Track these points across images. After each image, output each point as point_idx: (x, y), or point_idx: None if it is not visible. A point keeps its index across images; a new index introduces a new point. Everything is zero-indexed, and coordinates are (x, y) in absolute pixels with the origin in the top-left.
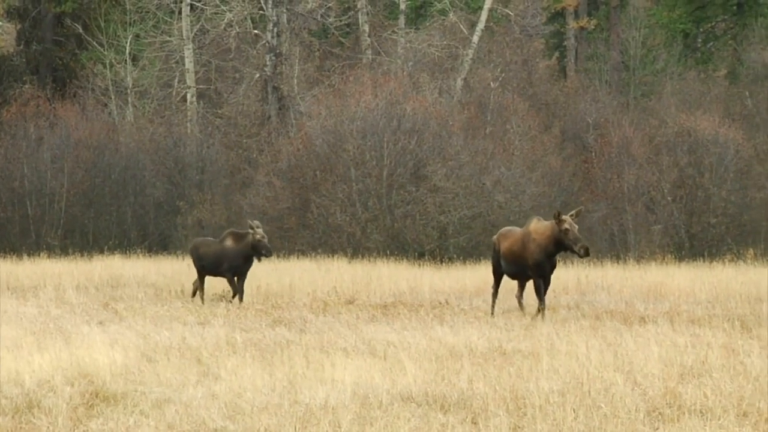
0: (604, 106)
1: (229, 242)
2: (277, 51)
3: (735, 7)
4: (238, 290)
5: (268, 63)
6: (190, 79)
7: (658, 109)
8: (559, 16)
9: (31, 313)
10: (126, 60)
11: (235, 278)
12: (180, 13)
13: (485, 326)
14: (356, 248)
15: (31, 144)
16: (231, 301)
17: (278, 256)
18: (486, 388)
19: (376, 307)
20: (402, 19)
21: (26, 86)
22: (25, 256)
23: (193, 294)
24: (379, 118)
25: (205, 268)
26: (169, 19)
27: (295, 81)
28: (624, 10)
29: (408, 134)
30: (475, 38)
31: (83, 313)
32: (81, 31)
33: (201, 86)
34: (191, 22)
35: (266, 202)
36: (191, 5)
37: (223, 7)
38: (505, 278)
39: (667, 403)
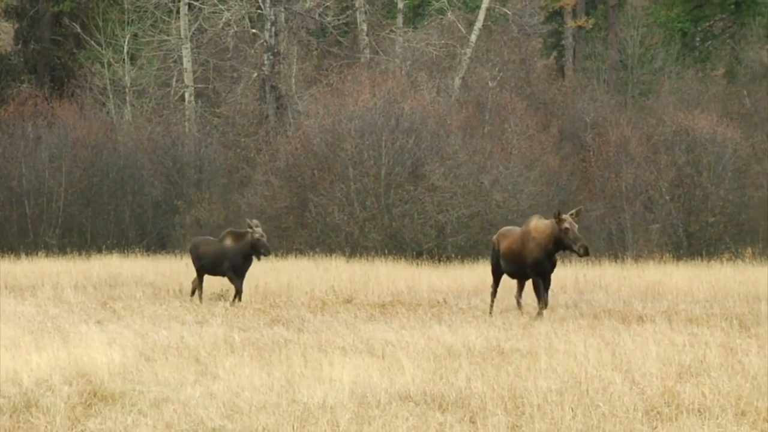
0: (602, 105)
1: (228, 241)
2: (275, 50)
3: (733, 6)
4: (240, 288)
5: (266, 62)
6: (188, 78)
7: (656, 108)
8: (557, 15)
9: (29, 312)
10: (124, 59)
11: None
12: (178, 12)
13: (483, 325)
14: (354, 247)
15: (29, 143)
16: (234, 302)
17: (276, 255)
18: (484, 387)
19: (374, 306)
20: (400, 18)
21: (24, 85)
22: (23, 256)
23: (192, 293)
24: (377, 117)
25: (205, 267)
26: (167, 19)
27: (293, 80)
28: (622, 9)
29: (406, 133)
30: (473, 37)
31: (81, 312)
32: (79, 30)
33: (199, 85)
34: (189, 21)
35: (264, 201)
36: (189, 4)
37: (221, 7)
38: (505, 278)
39: (665, 402)
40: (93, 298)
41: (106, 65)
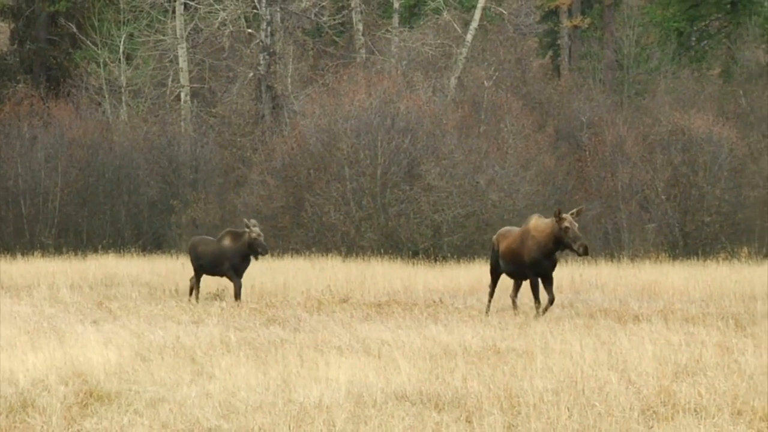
0: (598, 104)
1: (227, 241)
2: (271, 50)
3: (729, 6)
4: (240, 286)
5: (261, 62)
6: (183, 78)
7: (651, 107)
8: (552, 14)
9: (25, 312)
10: (120, 59)
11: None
12: (174, 12)
13: (479, 325)
14: (350, 247)
15: (25, 143)
16: (237, 302)
17: (272, 255)
18: (480, 387)
19: (370, 306)
20: (396, 18)
21: (20, 85)
22: (19, 255)
23: (191, 292)
24: (372, 117)
25: (203, 267)
26: (162, 18)
27: (289, 80)
28: (618, 9)
29: (402, 133)
30: (469, 37)
31: (77, 312)
32: (75, 30)
33: (195, 85)
34: (185, 21)
35: (260, 201)
36: (185, 4)
37: (216, 6)
38: (502, 279)
39: (661, 402)
40: (89, 297)
41: (101, 65)
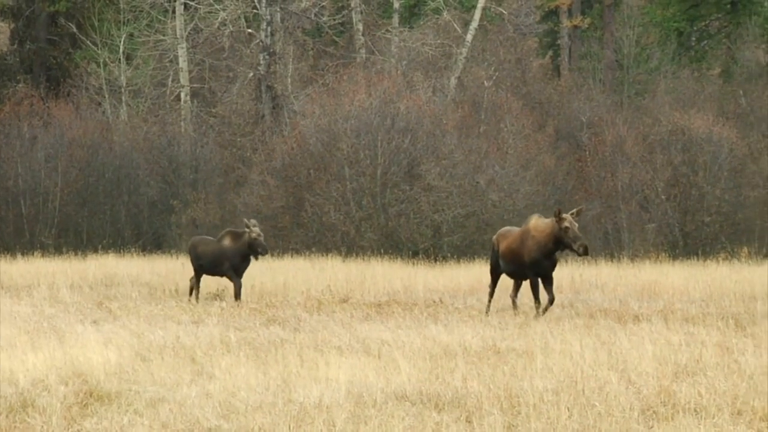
0: (598, 104)
1: (227, 241)
2: (271, 50)
3: (729, 6)
4: (240, 286)
5: (261, 62)
6: (183, 78)
7: (651, 107)
8: (552, 14)
9: (25, 312)
10: (120, 59)
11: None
12: (174, 12)
13: (479, 325)
14: (350, 247)
15: (25, 143)
16: (236, 302)
17: (272, 255)
18: (480, 387)
19: (370, 306)
20: (396, 18)
21: (20, 85)
22: (19, 255)
23: (191, 292)
24: (372, 117)
25: (203, 267)
26: (162, 18)
27: (289, 80)
28: (618, 9)
29: (402, 133)
30: (469, 37)
31: (77, 312)
32: (75, 30)
33: (195, 85)
34: (185, 21)
35: (260, 201)
36: (185, 4)
37: (216, 6)
38: (502, 279)
39: (661, 402)
40: (89, 298)
41: (101, 65)
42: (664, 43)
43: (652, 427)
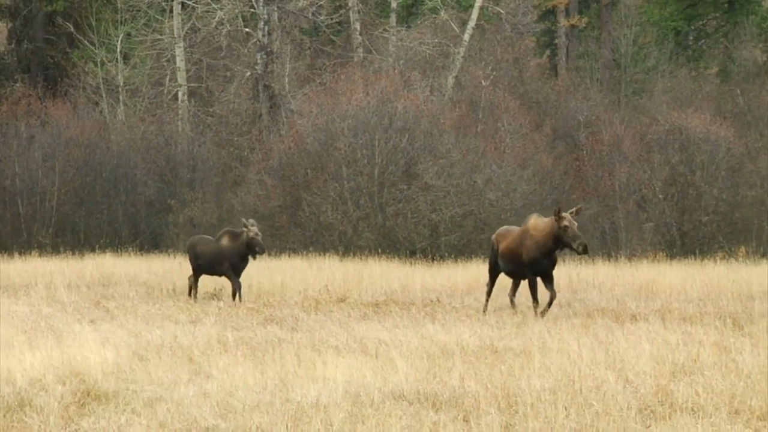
0: (596, 104)
1: (225, 241)
2: (268, 49)
3: (726, 5)
4: (238, 287)
5: (259, 61)
6: (181, 77)
7: (649, 106)
8: (550, 14)
9: (23, 311)
10: (117, 58)
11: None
12: (171, 11)
13: (477, 324)
14: (348, 246)
15: (23, 142)
16: (235, 301)
17: (269, 255)
18: (477, 386)
19: (367, 306)
20: (393, 17)
21: (17, 85)
22: (17, 255)
23: (190, 291)
24: (370, 116)
25: (202, 266)
26: (160, 18)
27: (287, 79)
28: (615, 8)
29: (399, 132)
30: (466, 36)
31: (75, 311)
32: (72, 29)
33: (192, 84)
34: (182, 20)
35: (257, 201)
36: (182, 3)
37: (214, 6)
38: (501, 277)
39: (658, 401)
40: (86, 297)
41: (99, 64)
42: (662, 43)
43: (649, 427)
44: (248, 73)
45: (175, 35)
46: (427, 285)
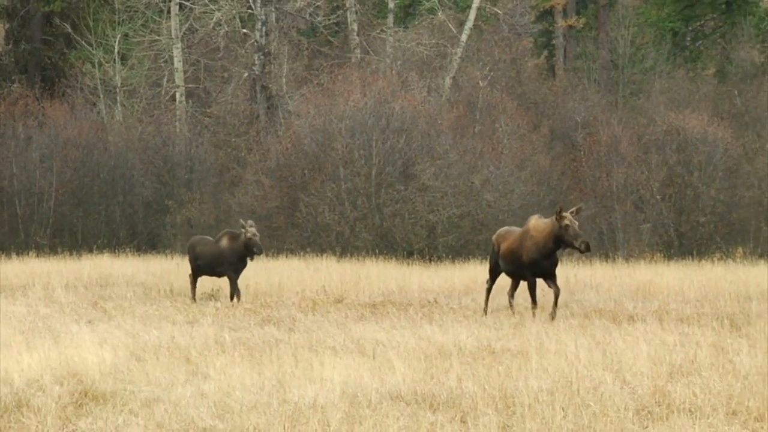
0: (593, 104)
1: (225, 242)
2: (266, 50)
3: (724, 6)
4: (237, 290)
5: (256, 62)
6: (178, 78)
7: (647, 107)
8: (547, 14)
9: (20, 312)
10: (115, 59)
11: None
12: (169, 12)
13: (474, 325)
14: (345, 247)
15: (20, 143)
16: (232, 302)
17: (267, 255)
18: (475, 387)
19: (364, 306)
20: (391, 18)
21: (15, 85)
22: (14, 255)
23: (194, 293)
24: (367, 117)
25: (201, 267)
26: (157, 18)
27: (284, 80)
28: (613, 9)
29: (397, 133)
30: (464, 37)
31: (72, 312)
32: (70, 30)
33: (190, 85)
34: (180, 21)
35: (255, 201)
36: (180, 4)
37: (211, 6)
38: (500, 278)
39: (656, 402)
40: (84, 298)
41: (96, 65)
42: (659, 43)
43: (646, 428)
44: (246, 74)
45: (173, 36)
46: (425, 286)
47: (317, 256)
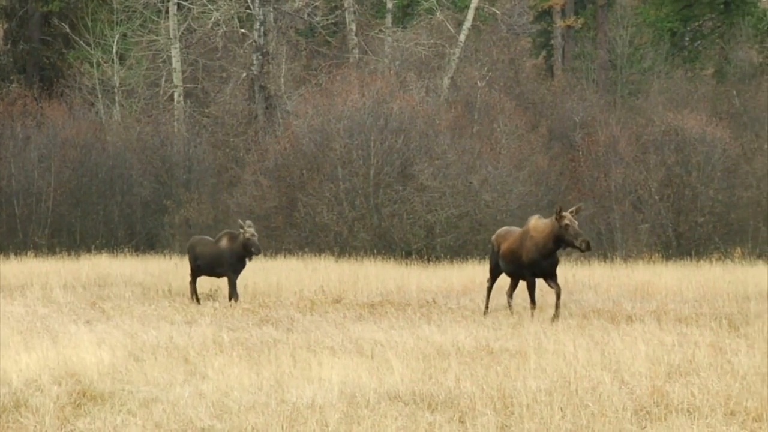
0: (591, 104)
1: (224, 242)
2: (264, 50)
3: (722, 6)
4: (235, 291)
5: (255, 62)
6: (177, 78)
7: (645, 107)
8: (546, 14)
9: (19, 312)
10: (113, 59)
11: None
12: (167, 12)
13: (472, 325)
14: (343, 247)
15: (18, 143)
16: (231, 302)
17: (265, 255)
18: (473, 387)
19: (363, 306)
20: (389, 18)
21: (13, 85)
22: (12, 255)
23: (192, 294)
24: (366, 117)
25: (201, 267)
26: (156, 18)
27: (282, 80)
28: (611, 9)
29: (395, 133)
30: (462, 37)
31: (70, 312)
32: (68, 30)
33: (188, 85)
34: (178, 21)
35: (253, 201)
36: (178, 4)
37: (210, 6)
38: (500, 278)
39: (654, 402)
40: (82, 298)
41: (95, 65)
42: (658, 44)
43: (645, 428)
44: (244, 74)
45: (171, 36)
46: (423, 286)
47: (315, 256)
